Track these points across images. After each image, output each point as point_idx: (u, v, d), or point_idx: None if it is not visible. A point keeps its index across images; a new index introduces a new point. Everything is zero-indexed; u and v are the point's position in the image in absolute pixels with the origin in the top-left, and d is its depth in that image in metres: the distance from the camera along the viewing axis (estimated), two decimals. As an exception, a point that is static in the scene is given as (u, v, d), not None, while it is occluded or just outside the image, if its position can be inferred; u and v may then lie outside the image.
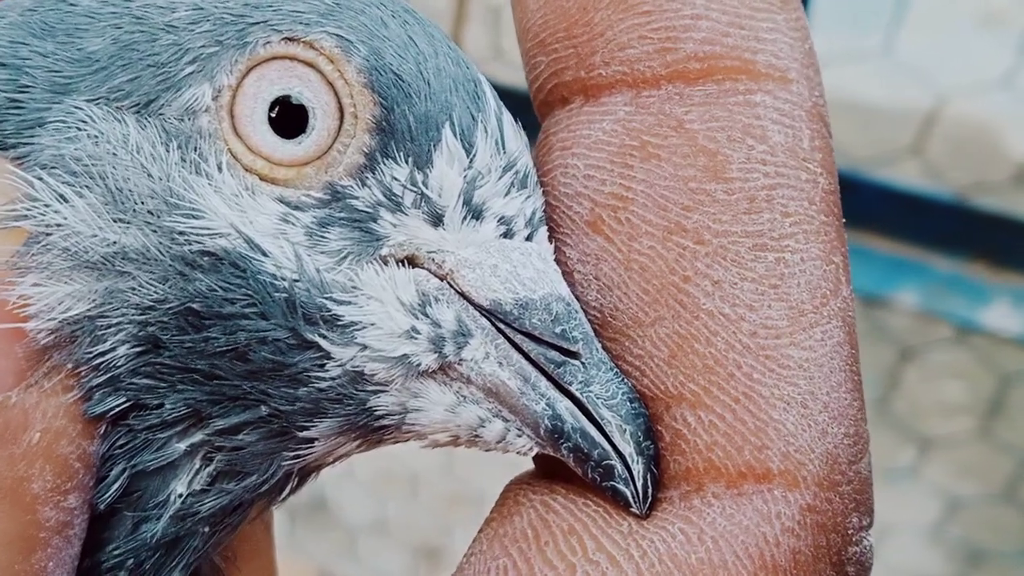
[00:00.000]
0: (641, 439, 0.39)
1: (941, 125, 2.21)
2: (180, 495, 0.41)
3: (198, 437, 0.41)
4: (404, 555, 2.41)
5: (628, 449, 0.39)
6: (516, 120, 0.42)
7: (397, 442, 0.43)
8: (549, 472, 0.41)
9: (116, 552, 0.41)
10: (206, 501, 0.41)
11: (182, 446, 0.41)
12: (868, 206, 2.02)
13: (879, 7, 2.10)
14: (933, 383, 2.42)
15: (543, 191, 0.42)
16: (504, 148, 0.41)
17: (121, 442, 0.40)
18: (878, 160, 2.18)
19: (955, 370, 2.36)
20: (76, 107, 0.39)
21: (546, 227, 0.42)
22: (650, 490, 0.39)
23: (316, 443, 0.41)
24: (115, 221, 0.38)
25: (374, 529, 2.38)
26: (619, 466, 0.39)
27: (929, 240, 2.07)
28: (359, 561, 2.36)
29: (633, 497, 0.38)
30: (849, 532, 0.38)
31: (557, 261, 0.42)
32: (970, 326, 2.05)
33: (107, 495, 0.40)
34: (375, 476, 2.36)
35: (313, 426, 0.40)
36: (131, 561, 0.41)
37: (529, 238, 0.41)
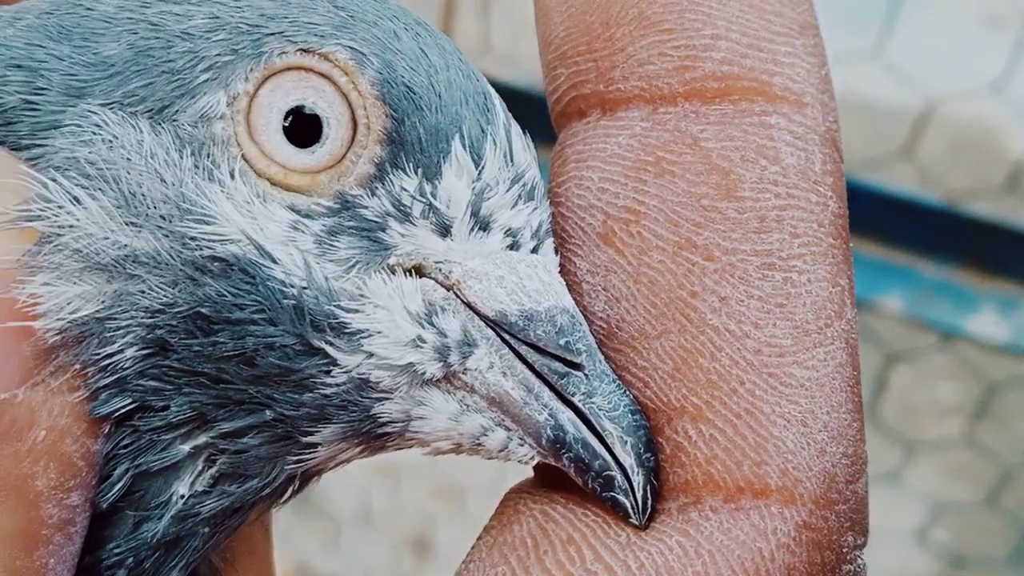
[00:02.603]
0: (642, 451, 0.39)
1: (932, 128, 2.21)
2: (182, 496, 0.41)
3: (202, 439, 0.41)
4: (388, 547, 2.41)
5: (629, 461, 0.39)
6: (525, 132, 0.43)
7: (399, 449, 0.43)
8: (548, 481, 0.42)
9: (117, 550, 0.41)
10: (207, 503, 0.42)
11: (186, 448, 0.41)
12: (857, 209, 2.00)
13: (871, 8, 2.09)
14: (919, 388, 2.42)
15: (557, 202, 0.43)
16: (512, 160, 0.42)
17: (125, 442, 0.40)
18: (868, 163, 2.18)
19: (941, 376, 2.36)
20: (91, 111, 0.40)
21: (553, 239, 0.43)
22: (649, 501, 0.39)
23: (319, 448, 0.42)
24: (127, 224, 0.39)
25: (358, 521, 2.38)
26: (619, 477, 0.39)
27: (918, 245, 2.06)
28: (342, 553, 2.35)
29: (632, 508, 0.39)
30: (844, 551, 0.39)
31: (566, 271, 0.42)
32: (956, 332, 2.05)
33: (110, 494, 0.40)
34: (360, 468, 2.35)
35: (317, 431, 0.41)
36: (131, 560, 0.41)
37: (535, 250, 0.42)
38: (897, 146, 2.23)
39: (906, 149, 2.20)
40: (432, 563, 2.36)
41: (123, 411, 0.40)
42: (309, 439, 0.41)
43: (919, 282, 2.06)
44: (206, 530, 0.42)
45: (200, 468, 0.41)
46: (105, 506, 0.41)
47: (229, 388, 0.40)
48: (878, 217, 2.05)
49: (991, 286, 2.07)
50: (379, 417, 0.41)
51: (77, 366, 0.39)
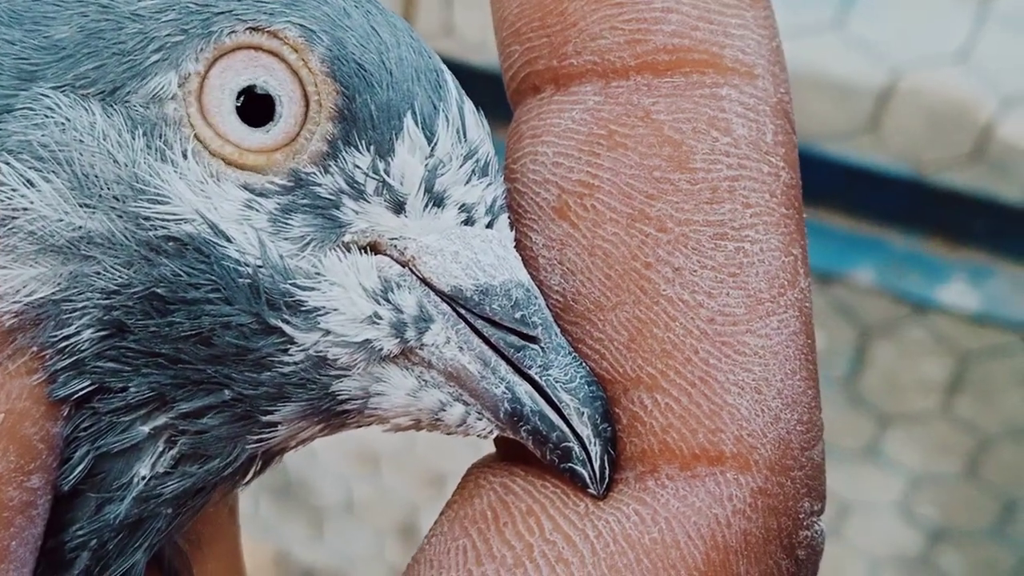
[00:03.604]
0: (599, 421, 0.39)
1: (898, 99, 2.22)
2: (143, 477, 0.41)
3: (162, 420, 0.41)
4: (372, 536, 2.41)
5: (586, 431, 0.39)
6: (478, 109, 0.43)
7: (360, 426, 0.43)
8: (509, 455, 0.42)
9: (79, 532, 0.41)
10: (169, 483, 0.42)
11: (146, 429, 0.41)
12: (824, 182, 2.02)
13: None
14: (896, 361, 2.43)
15: (512, 178, 0.43)
16: (465, 137, 0.42)
17: (85, 424, 0.40)
18: (835, 136, 2.18)
19: (915, 348, 2.37)
20: (43, 94, 0.40)
21: (508, 214, 0.43)
22: (607, 471, 0.39)
23: (279, 427, 0.42)
24: (81, 206, 0.39)
25: (341, 511, 2.38)
26: (577, 448, 0.39)
27: (886, 216, 2.07)
28: (326, 543, 2.35)
29: (590, 478, 0.39)
30: (800, 516, 0.39)
31: (522, 246, 0.42)
32: (928, 304, 2.06)
33: (71, 476, 0.40)
34: (341, 458, 2.36)
35: (276, 410, 0.41)
36: (94, 541, 0.41)
37: (490, 225, 0.42)
38: (863, 118, 2.23)
39: (872, 121, 2.21)
40: (414, 551, 2.35)
41: (82, 393, 0.40)
42: (269, 418, 0.41)
43: (889, 254, 2.07)
44: (169, 511, 0.42)
45: (161, 449, 0.41)
46: (67, 488, 0.41)
47: (187, 368, 0.40)
48: (846, 189, 2.06)
49: (961, 256, 2.09)
50: (338, 394, 0.41)
51: (34, 348, 0.39)
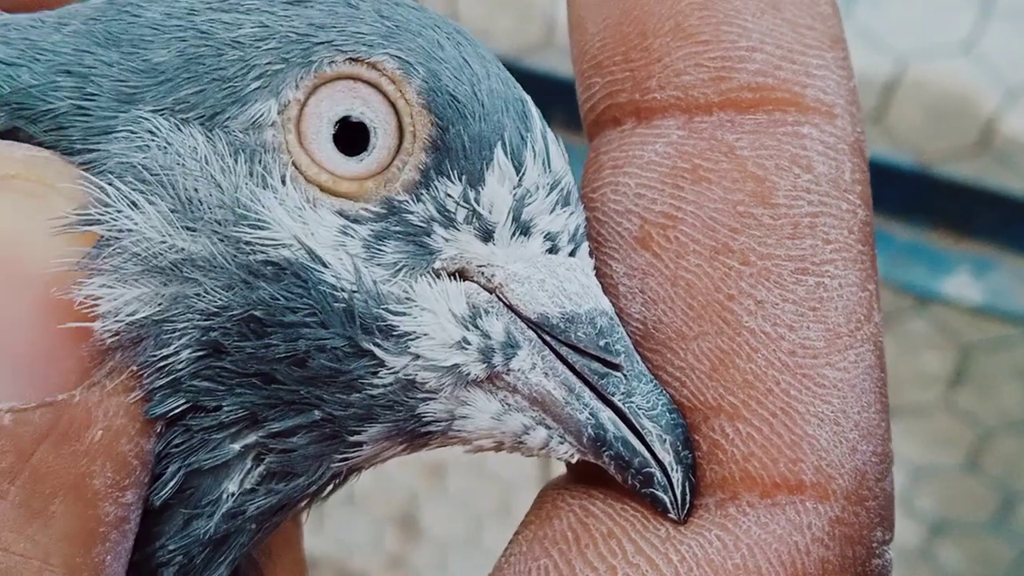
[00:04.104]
0: (680, 448, 0.41)
1: (902, 91, 2.22)
2: (232, 494, 0.42)
3: (252, 439, 0.42)
4: (372, 526, 2.41)
5: (667, 458, 0.41)
6: (558, 138, 0.44)
7: (441, 446, 0.45)
8: (583, 477, 0.43)
9: (168, 547, 0.42)
10: (256, 500, 0.43)
11: (236, 447, 0.42)
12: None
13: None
14: (895, 353, 2.43)
15: (592, 207, 0.44)
16: (550, 167, 0.43)
17: (177, 441, 0.41)
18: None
19: (918, 340, 2.37)
20: (143, 117, 0.40)
21: (588, 242, 0.44)
22: (688, 497, 0.41)
23: (364, 447, 0.43)
24: (184, 229, 0.40)
25: (342, 501, 2.37)
26: (658, 474, 0.41)
27: (891, 208, 2.07)
28: (327, 533, 2.35)
29: (671, 503, 0.40)
30: (873, 545, 0.41)
31: (601, 274, 0.44)
32: (932, 295, 2.06)
33: (163, 492, 0.41)
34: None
35: (363, 430, 0.42)
36: (181, 556, 0.42)
37: (572, 253, 0.43)
38: (867, 109, 2.23)
39: (877, 112, 2.20)
40: (417, 540, 2.36)
41: (176, 411, 0.41)
42: (355, 438, 0.42)
43: (893, 245, 2.06)
44: (253, 526, 0.43)
45: (249, 466, 0.42)
46: (157, 504, 0.41)
47: (280, 389, 0.41)
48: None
49: (965, 247, 2.08)
50: (424, 416, 0.42)
51: (133, 367, 0.40)
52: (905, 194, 2.08)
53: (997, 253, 2.09)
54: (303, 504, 0.45)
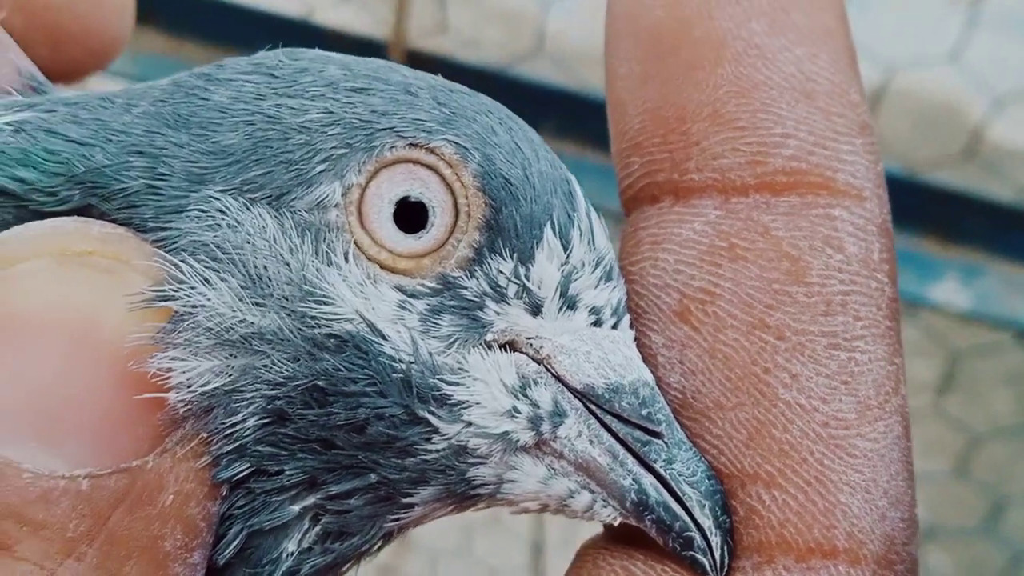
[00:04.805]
0: (719, 513, 0.43)
1: (889, 100, 2.22)
2: (291, 553, 0.44)
3: (310, 500, 0.44)
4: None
5: (707, 522, 0.43)
6: (599, 214, 0.46)
7: (488, 507, 0.47)
8: (621, 536, 0.45)
9: None
10: (312, 559, 0.45)
11: (295, 508, 0.44)
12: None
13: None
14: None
15: (632, 280, 0.46)
16: (595, 244, 0.45)
17: (240, 503, 0.43)
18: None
19: (906, 346, 2.37)
20: (213, 196, 0.42)
21: (629, 315, 0.46)
22: (726, 560, 0.43)
23: (416, 508, 0.45)
24: (254, 304, 0.41)
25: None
26: (698, 538, 0.43)
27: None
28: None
29: (711, 566, 0.43)
30: None
31: (641, 344, 0.46)
32: (920, 301, 2.06)
33: (226, 552, 0.43)
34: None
35: (416, 493, 0.44)
36: None
37: (615, 326, 0.45)
38: (856, 118, 2.23)
39: (865, 121, 2.20)
40: (408, 549, 2.35)
41: (241, 475, 0.42)
42: (408, 500, 0.44)
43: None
44: None
45: (307, 527, 0.44)
46: (221, 563, 0.43)
47: (339, 454, 0.43)
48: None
49: (953, 254, 2.09)
50: (473, 480, 0.44)
51: (203, 434, 0.41)
52: (893, 202, 2.07)
53: (985, 259, 2.10)
54: (353, 562, 0.47)
